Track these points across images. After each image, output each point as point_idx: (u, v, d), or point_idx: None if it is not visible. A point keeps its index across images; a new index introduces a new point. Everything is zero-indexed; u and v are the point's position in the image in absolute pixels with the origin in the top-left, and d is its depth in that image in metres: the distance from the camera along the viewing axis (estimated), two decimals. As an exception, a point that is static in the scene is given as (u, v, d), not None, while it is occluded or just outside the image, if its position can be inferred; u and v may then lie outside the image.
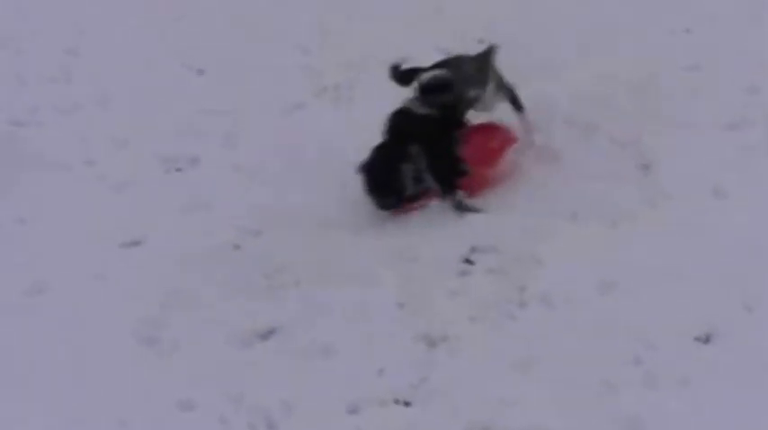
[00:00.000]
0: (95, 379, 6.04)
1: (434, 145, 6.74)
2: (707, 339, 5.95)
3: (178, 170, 7.89)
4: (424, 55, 7.52)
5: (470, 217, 7.04)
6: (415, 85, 6.75)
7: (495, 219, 6.99)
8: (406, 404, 5.77)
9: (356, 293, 6.49)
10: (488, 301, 6.36)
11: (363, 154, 7.06)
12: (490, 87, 6.90)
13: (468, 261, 6.71)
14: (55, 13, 9.75)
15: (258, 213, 7.26)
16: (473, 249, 6.77)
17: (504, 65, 7.24)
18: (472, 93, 6.80)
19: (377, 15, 9.35)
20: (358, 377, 5.90)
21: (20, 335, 6.38)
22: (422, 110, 6.68)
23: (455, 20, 9.15)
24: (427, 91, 6.67)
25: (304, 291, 6.57)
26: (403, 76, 6.89)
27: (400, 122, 6.77)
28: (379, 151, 6.86)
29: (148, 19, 9.67)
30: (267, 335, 6.29)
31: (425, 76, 6.69)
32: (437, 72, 6.71)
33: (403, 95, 7.03)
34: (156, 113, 8.41)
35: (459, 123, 6.80)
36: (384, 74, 7.22)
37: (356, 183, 7.09)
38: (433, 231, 6.98)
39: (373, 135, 7.07)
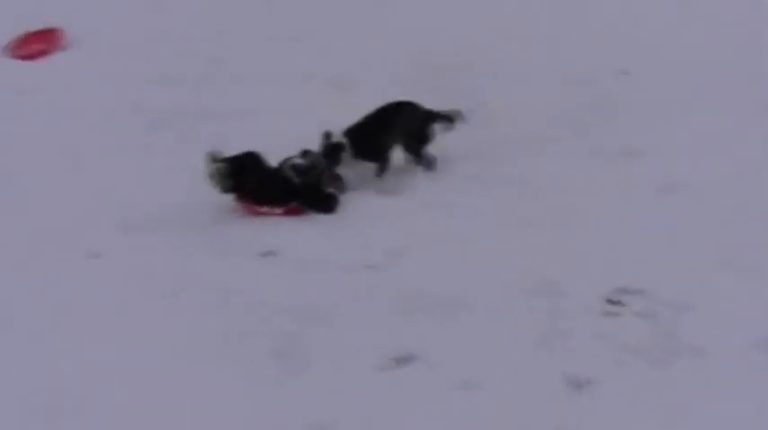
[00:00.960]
0: (227, 393, 5.93)
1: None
2: None
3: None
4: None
5: (615, 254, 6.77)
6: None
7: (646, 260, 6.72)
8: (543, 446, 5.53)
9: (495, 325, 6.30)
10: (635, 346, 6.09)
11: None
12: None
13: (613, 301, 6.44)
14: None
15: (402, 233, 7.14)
16: (619, 290, 6.51)
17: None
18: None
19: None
20: (500, 414, 5.67)
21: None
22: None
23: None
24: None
25: (445, 319, 6.37)
26: None
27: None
28: None
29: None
30: (405, 360, 6.09)
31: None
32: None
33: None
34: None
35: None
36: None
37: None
38: (578, 265, 6.76)
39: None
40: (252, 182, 7.52)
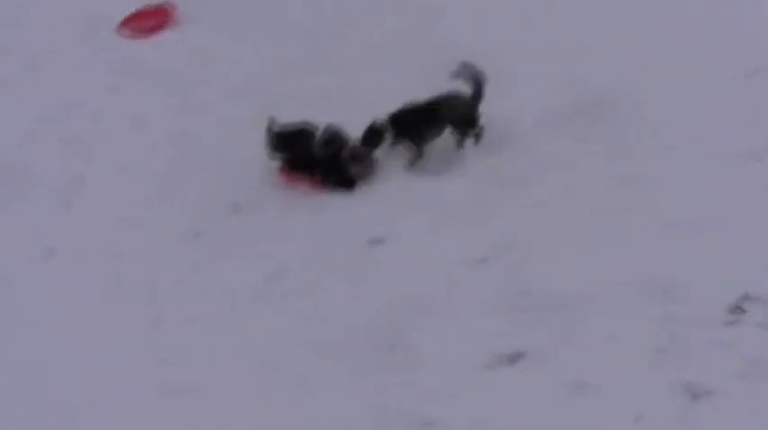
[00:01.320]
0: (328, 382, 5.85)
1: None
2: None
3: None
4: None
5: (740, 260, 6.46)
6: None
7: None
8: (664, 459, 5.28)
9: (611, 328, 6.04)
10: (759, 358, 5.77)
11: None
12: None
13: (738, 309, 6.13)
14: None
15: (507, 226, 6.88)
16: (745, 296, 6.19)
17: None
18: None
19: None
20: (613, 421, 5.45)
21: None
22: None
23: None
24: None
25: (556, 318, 6.13)
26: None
27: None
28: None
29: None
30: (514, 359, 5.89)
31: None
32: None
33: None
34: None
35: None
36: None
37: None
38: (703, 268, 6.43)
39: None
40: (297, 152, 7.53)
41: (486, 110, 7.64)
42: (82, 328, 6.43)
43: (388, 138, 7.56)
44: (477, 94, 7.59)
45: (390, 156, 7.62)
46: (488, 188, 7.26)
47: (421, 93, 7.57)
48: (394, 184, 7.48)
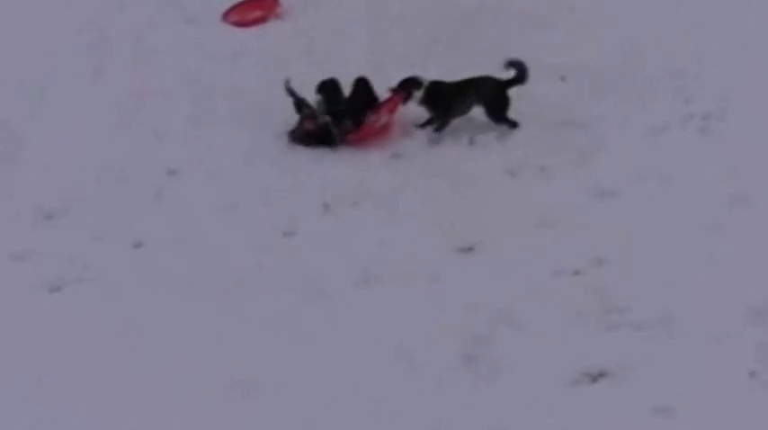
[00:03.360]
0: (411, 390, 5.74)
1: None
2: None
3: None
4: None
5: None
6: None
7: None
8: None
9: (704, 350, 5.85)
10: None
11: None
12: None
13: (837, 337, 5.87)
14: None
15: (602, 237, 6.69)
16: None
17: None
18: None
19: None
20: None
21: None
22: None
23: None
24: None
25: (644, 337, 5.95)
26: None
27: None
28: None
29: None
30: (597, 377, 5.73)
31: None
32: None
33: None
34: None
35: None
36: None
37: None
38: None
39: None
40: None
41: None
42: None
43: (421, 94, 8.13)
44: (514, 80, 8.05)
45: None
46: (581, 198, 7.13)
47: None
48: (493, 190, 7.42)
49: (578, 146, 7.72)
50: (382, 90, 8.16)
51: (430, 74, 8.24)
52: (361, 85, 8.26)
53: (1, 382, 5.93)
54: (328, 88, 8.25)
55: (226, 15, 10.08)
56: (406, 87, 8.12)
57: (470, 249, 6.69)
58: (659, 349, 5.87)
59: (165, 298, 6.50)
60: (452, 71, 8.32)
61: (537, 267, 6.51)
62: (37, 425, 5.64)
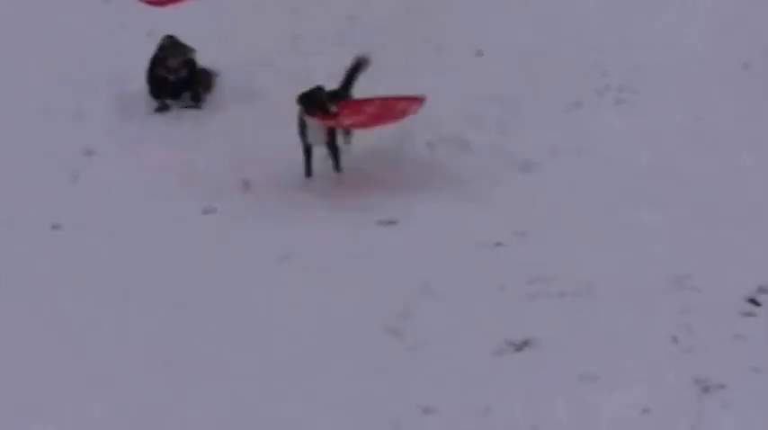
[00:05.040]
0: (336, 364, 5.74)
1: None
2: None
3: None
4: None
5: (758, 250, 6.32)
6: None
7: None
8: (671, 452, 5.13)
9: (626, 317, 5.92)
10: (775, 353, 5.63)
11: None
12: None
13: (753, 301, 5.99)
14: None
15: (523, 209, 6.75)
16: (761, 289, 6.06)
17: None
18: None
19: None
20: (619, 413, 5.31)
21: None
22: None
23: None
24: None
25: (566, 305, 6.01)
26: None
27: None
28: None
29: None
30: (521, 346, 5.77)
31: None
32: None
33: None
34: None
35: None
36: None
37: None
38: (716, 259, 6.32)
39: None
40: None
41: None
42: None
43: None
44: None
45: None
46: (502, 172, 7.18)
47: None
48: (414, 165, 7.41)
49: (498, 120, 7.76)
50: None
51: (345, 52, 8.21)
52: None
53: None
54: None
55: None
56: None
57: (392, 223, 6.69)
58: (582, 317, 5.94)
59: (84, 279, 6.41)
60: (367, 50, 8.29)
61: (459, 240, 6.55)
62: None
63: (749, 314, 5.94)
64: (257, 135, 7.73)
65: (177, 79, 8.29)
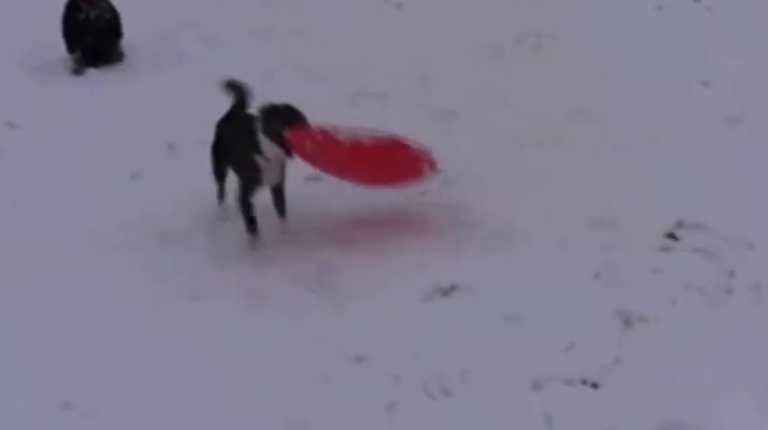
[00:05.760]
0: (263, 324, 5.76)
1: None
2: None
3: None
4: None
5: (676, 187, 6.48)
6: None
7: (706, 195, 6.42)
8: (594, 386, 5.24)
9: (549, 258, 6.05)
10: (692, 284, 5.80)
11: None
12: None
13: (672, 236, 6.14)
14: None
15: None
16: (679, 224, 6.21)
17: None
18: None
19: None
20: (545, 350, 5.42)
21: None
22: None
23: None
24: None
25: (491, 249, 6.11)
26: None
27: None
28: None
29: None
30: (449, 291, 5.87)
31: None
32: None
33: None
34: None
35: None
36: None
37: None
38: (636, 197, 6.49)
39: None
40: None
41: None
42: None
43: None
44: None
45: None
46: (422, 122, 7.26)
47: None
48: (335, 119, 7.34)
49: (416, 71, 7.81)
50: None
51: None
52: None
53: None
54: None
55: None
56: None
57: (317, 178, 6.73)
58: (507, 260, 6.03)
59: (7, 256, 6.37)
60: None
61: (382, 190, 6.54)
62: None
63: (667, 249, 6.10)
64: (181, 98, 7.72)
65: (98, 17, 8.16)
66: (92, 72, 8.35)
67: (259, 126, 6.06)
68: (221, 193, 6.53)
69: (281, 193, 6.30)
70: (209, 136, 6.54)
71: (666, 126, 7.18)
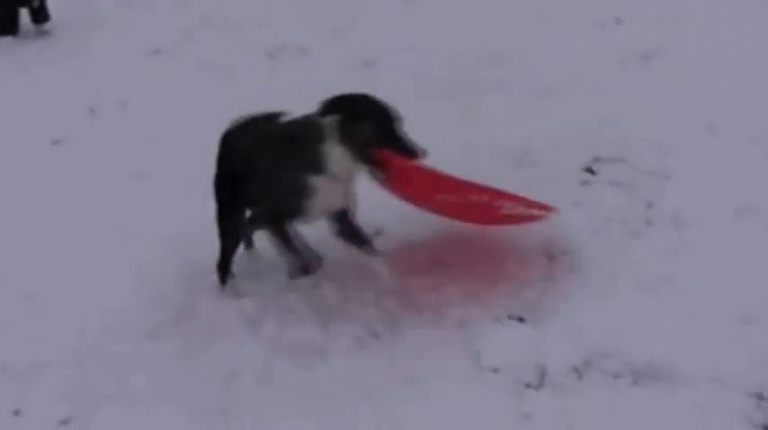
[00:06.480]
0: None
1: None
2: None
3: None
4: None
5: (594, 121, 6.58)
6: None
7: (623, 129, 6.52)
8: (521, 320, 5.28)
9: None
10: (612, 216, 5.90)
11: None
12: None
13: (590, 170, 6.25)
14: None
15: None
16: (596, 158, 6.31)
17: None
18: None
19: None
20: (470, 288, 5.45)
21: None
22: None
23: None
24: None
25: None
26: None
27: None
28: None
29: None
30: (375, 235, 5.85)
31: None
32: None
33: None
34: None
35: None
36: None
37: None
38: (554, 133, 6.58)
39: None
40: None
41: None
42: None
43: None
44: None
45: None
46: (341, 72, 7.26)
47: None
48: (254, 75, 7.41)
49: (334, 22, 7.83)
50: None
51: None
52: None
53: None
54: None
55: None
56: None
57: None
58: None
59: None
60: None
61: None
62: None
63: (586, 183, 6.20)
64: (99, 62, 7.67)
65: None
66: (7, 40, 8.27)
67: (329, 131, 4.61)
68: (248, 244, 4.99)
69: (347, 220, 4.84)
70: (130, 98, 6.51)
71: (582, 64, 7.27)
